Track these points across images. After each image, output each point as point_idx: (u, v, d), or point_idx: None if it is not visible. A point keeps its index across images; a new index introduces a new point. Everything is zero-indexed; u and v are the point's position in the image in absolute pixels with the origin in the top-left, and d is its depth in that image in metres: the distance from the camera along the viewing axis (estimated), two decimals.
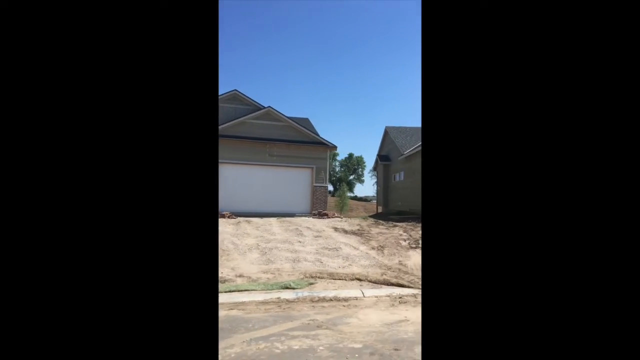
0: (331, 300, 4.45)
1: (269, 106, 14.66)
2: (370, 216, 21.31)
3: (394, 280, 5.22)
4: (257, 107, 15.50)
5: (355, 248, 7.84)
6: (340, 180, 70.51)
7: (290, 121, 14.97)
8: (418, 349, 2.98)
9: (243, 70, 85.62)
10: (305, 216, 14.07)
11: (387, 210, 22.90)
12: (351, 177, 73.64)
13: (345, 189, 42.68)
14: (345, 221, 13.29)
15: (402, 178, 20.53)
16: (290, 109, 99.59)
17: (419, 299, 4.65)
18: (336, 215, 15.01)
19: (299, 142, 14.80)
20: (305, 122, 19.30)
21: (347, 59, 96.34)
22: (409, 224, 14.61)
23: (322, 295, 4.57)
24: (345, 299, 4.49)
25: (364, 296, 4.66)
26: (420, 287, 5.11)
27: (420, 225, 13.88)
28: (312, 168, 14.94)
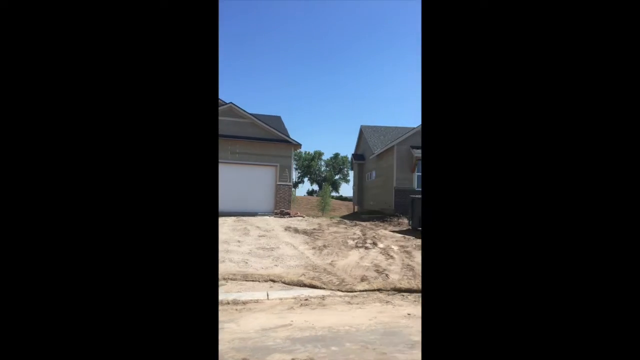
0: (228, 303, 4.17)
1: (231, 102, 14.32)
2: (343, 216, 21.12)
3: (308, 282, 4.97)
4: (219, 103, 15.13)
5: (294, 248, 7.58)
6: (325, 180, 70.33)
7: (254, 118, 14.64)
8: (270, 357, 2.72)
9: (227, 71, 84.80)
10: (268, 215, 13.77)
11: (361, 210, 22.73)
12: (337, 177, 73.52)
13: (328, 189, 42.50)
14: (306, 220, 13.03)
15: (374, 177, 20.38)
16: (275, 108, 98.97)
17: (327, 300, 4.41)
18: (299, 214, 14.75)
19: (262, 140, 14.49)
20: (276, 120, 18.99)
21: (340, 59, 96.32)
22: (373, 223, 14.42)
23: (220, 298, 4.29)
24: (244, 302, 4.22)
25: (267, 298, 4.40)
26: (333, 288, 4.87)
27: (382, 224, 13.71)
28: (276, 166, 14.65)
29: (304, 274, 5.37)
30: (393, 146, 16.03)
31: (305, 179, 78.89)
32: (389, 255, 7.20)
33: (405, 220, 13.08)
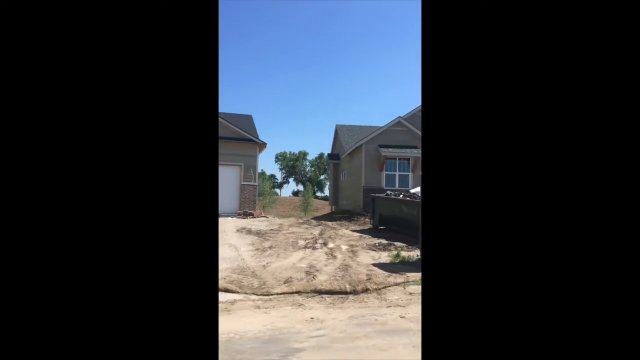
0: None
1: None
2: (321, 216, 20.91)
3: (223, 286, 4.70)
4: None
5: (236, 250, 7.31)
6: (310, 180, 70.13)
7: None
8: None
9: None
10: (231, 216, 13.46)
11: (337, 210, 22.54)
12: (322, 177, 73.35)
13: (310, 190, 42.38)
14: (268, 221, 12.76)
15: (346, 177, 20.21)
16: (261, 107, 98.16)
17: (235, 305, 4.15)
18: (263, 214, 14.48)
19: (226, 139, 14.16)
20: (247, 120, 18.67)
21: (327, 59, 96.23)
22: (340, 222, 14.23)
23: None
24: None
25: None
26: (249, 292, 4.63)
27: (347, 223, 13.54)
28: (241, 166, 14.34)
29: (224, 278, 5.10)
30: (361, 145, 15.88)
31: (291, 180, 78.56)
32: (332, 255, 6.99)
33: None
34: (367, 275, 5.48)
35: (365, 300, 4.45)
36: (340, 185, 22.50)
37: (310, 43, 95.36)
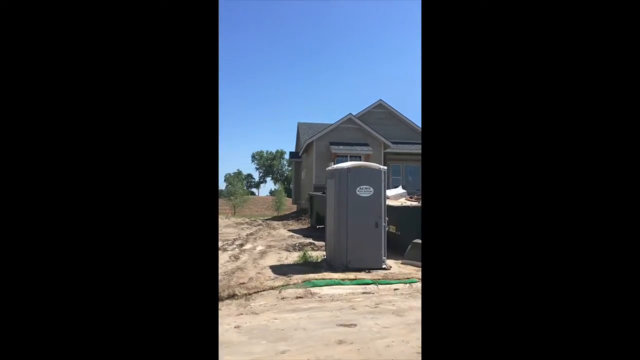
0: None
1: None
2: (278, 216, 20.53)
3: None
4: None
5: None
6: (287, 179, 69.76)
7: None
8: None
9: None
10: None
11: (299, 208, 22.20)
12: None
13: (282, 189, 42.07)
14: None
15: (304, 175, 19.90)
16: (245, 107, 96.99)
17: None
18: None
19: None
20: None
21: (324, 53, 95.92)
22: (284, 222, 13.91)
23: None
24: None
25: None
26: None
27: (292, 222, 13.23)
28: None
29: None
30: (312, 142, 15.58)
31: (268, 179, 77.98)
32: (236, 257, 6.66)
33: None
34: (251, 278, 5.14)
35: (222, 308, 4.10)
36: (300, 184, 22.18)
37: (298, 40, 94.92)
